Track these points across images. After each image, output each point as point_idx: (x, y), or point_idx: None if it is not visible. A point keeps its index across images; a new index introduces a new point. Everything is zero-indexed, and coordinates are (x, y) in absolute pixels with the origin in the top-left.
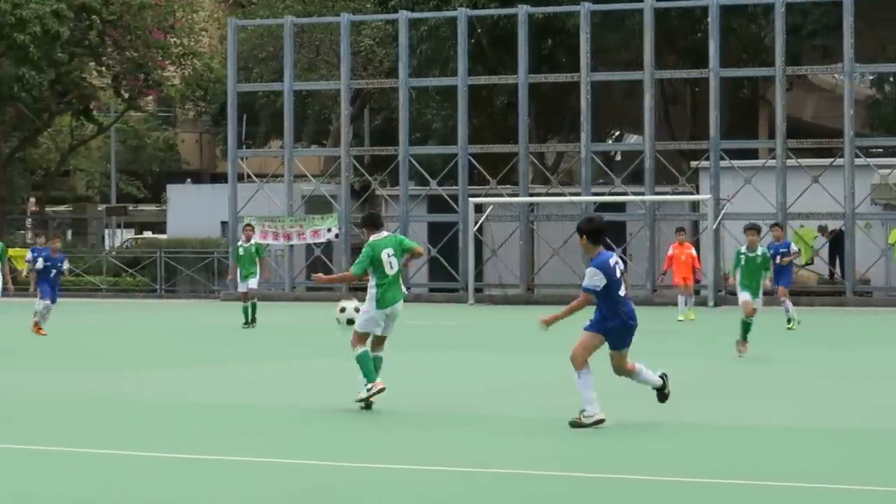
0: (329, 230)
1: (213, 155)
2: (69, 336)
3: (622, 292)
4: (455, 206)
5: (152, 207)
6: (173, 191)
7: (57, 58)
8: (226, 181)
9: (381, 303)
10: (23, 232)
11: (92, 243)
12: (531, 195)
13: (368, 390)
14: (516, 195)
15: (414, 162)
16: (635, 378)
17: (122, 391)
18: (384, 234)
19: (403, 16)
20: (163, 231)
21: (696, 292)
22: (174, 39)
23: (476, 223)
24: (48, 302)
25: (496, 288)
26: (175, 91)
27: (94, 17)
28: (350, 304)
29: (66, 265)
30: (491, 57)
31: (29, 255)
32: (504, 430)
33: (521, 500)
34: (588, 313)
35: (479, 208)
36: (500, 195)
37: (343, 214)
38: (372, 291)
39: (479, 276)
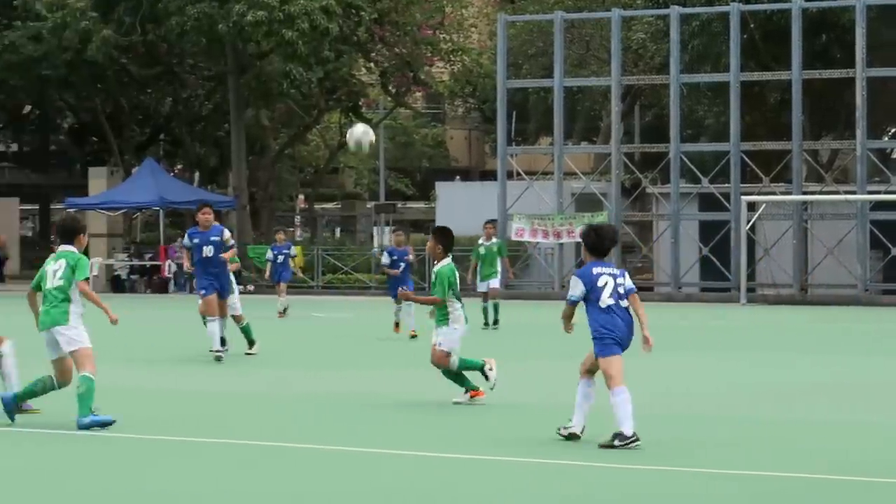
0: None
1: (481, 152)
2: (336, 335)
3: (603, 303)
4: (727, 205)
5: (421, 205)
6: (442, 188)
7: (325, 55)
8: (495, 178)
9: (467, 319)
10: (291, 229)
11: (361, 241)
12: (805, 193)
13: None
14: (789, 193)
15: (685, 159)
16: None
17: (384, 389)
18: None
19: (675, 11)
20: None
21: None
22: (443, 35)
23: (748, 222)
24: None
25: (769, 287)
26: (444, 87)
27: (362, 13)
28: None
29: (411, 256)
30: (763, 52)
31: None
32: (774, 431)
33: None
34: None
35: (751, 206)
36: (773, 193)
37: (613, 212)
38: (458, 313)
39: (751, 275)
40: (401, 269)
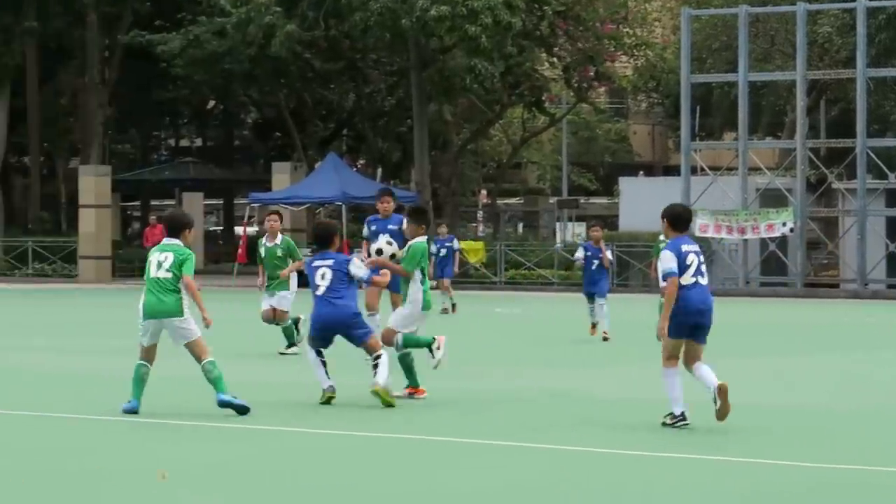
0: (784, 224)
1: (665, 147)
2: (516, 331)
3: (685, 280)
4: None
5: (604, 200)
6: (625, 183)
7: (507, 50)
8: (678, 174)
9: (426, 305)
10: (474, 224)
11: (543, 236)
12: None
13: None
14: None
15: (872, 154)
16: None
17: (580, 386)
18: (424, 238)
19: (861, 4)
20: (615, 225)
21: None
22: (626, 30)
23: None
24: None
25: None
26: (627, 82)
27: (545, 7)
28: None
29: (609, 255)
30: None
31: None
32: None
33: None
34: None
35: None
36: None
37: (798, 208)
38: (417, 294)
39: None
40: (594, 266)
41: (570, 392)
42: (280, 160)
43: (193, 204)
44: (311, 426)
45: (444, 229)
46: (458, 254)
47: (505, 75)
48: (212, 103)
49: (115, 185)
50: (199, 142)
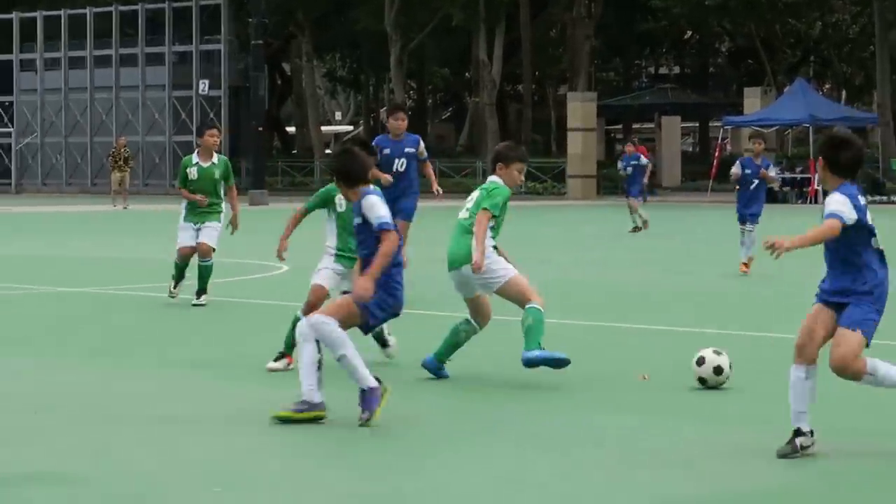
0: None
1: None
2: None
3: (877, 245)
4: None
5: None
6: None
7: None
8: None
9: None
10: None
11: None
12: None
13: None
14: None
15: None
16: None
17: None
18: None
19: None
20: None
21: None
22: None
23: None
24: None
25: None
26: None
27: None
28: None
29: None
30: None
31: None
32: None
33: None
34: None
35: None
36: None
37: None
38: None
39: None
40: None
41: None
42: (751, 86)
43: (671, 127)
44: None
45: (630, 147)
46: (647, 168)
47: None
48: (688, 34)
49: (600, 111)
50: (676, 69)
